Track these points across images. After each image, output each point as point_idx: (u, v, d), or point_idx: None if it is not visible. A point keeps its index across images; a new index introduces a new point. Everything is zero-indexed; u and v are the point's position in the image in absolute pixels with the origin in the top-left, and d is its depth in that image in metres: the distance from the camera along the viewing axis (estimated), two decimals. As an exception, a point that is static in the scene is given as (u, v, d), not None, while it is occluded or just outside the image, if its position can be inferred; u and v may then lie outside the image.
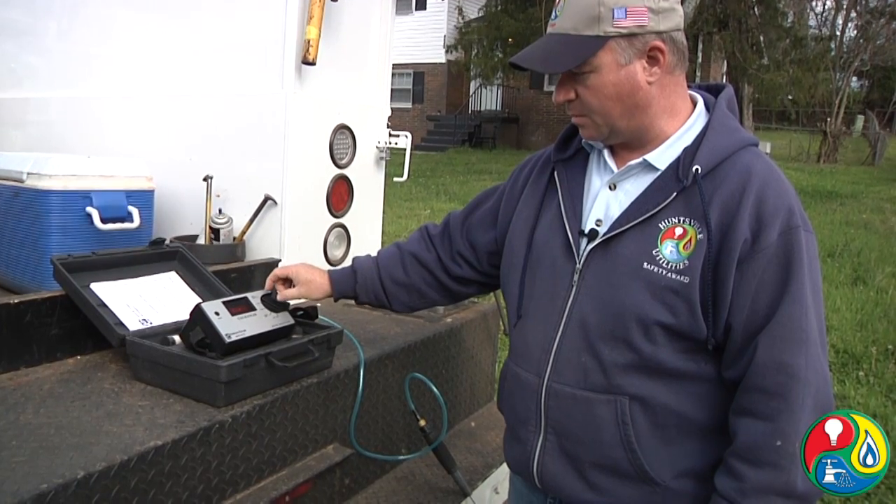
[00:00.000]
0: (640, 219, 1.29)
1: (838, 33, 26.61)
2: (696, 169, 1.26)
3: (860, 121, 27.67)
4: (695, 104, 1.38)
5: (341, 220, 2.69)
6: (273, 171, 2.46)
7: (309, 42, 2.35)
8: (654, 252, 1.27)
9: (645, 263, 1.27)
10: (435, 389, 1.93)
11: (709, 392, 1.30)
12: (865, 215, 11.82)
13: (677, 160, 1.30)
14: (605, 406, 1.31)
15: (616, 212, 1.33)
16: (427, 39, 23.42)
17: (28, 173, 2.27)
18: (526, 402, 1.42)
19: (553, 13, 1.32)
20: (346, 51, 2.64)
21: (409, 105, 24.45)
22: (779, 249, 1.21)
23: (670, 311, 1.25)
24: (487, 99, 24.42)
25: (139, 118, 2.77)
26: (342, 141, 2.63)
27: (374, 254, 1.81)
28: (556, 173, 1.46)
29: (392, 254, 1.76)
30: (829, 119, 24.03)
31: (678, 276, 1.24)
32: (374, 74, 2.84)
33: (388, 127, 2.89)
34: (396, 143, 2.85)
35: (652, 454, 1.31)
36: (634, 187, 1.33)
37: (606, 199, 1.36)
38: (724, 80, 22.25)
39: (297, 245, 2.54)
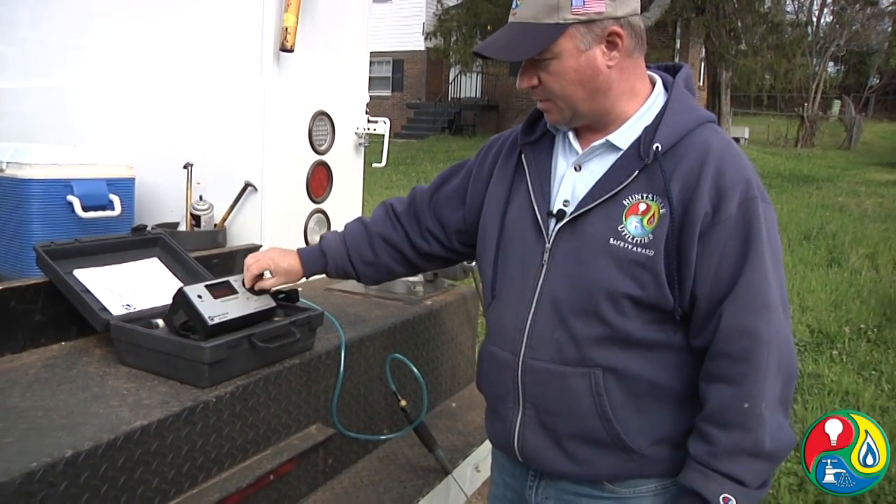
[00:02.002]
0: (605, 197, 1.33)
1: (815, 19, 26.83)
2: (657, 147, 1.30)
3: (837, 105, 27.94)
4: (654, 84, 1.42)
5: (321, 206, 2.72)
6: (253, 158, 2.48)
7: (287, 30, 2.37)
8: (619, 228, 1.31)
9: (611, 239, 1.31)
10: (415, 369, 1.97)
11: (679, 360, 1.35)
12: (841, 198, 11.99)
13: (638, 139, 1.34)
14: (579, 379, 1.36)
15: (582, 191, 1.38)
16: (406, 27, 23.34)
17: (7, 162, 2.28)
18: (504, 380, 1.46)
19: (514, 3, 1.35)
20: (324, 37, 2.66)
21: (388, 93, 24.37)
22: (738, 220, 1.26)
23: (637, 283, 1.30)
24: (467, 86, 24.41)
25: (119, 107, 2.77)
26: (321, 127, 2.66)
27: (340, 232, 1.82)
28: (523, 156, 1.50)
29: (359, 232, 1.77)
30: (806, 104, 24.26)
31: (643, 250, 1.29)
32: (352, 61, 2.86)
33: (367, 113, 2.91)
34: (375, 129, 2.88)
35: (627, 423, 1.36)
36: (599, 167, 1.38)
37: (573, 179, 1.40)
38: (702, 66, 22.37)
39: (278, 231, 2.57)
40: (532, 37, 1.31)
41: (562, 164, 1.44)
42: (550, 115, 1.41)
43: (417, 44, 23.65)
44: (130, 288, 1.94)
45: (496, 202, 1.52)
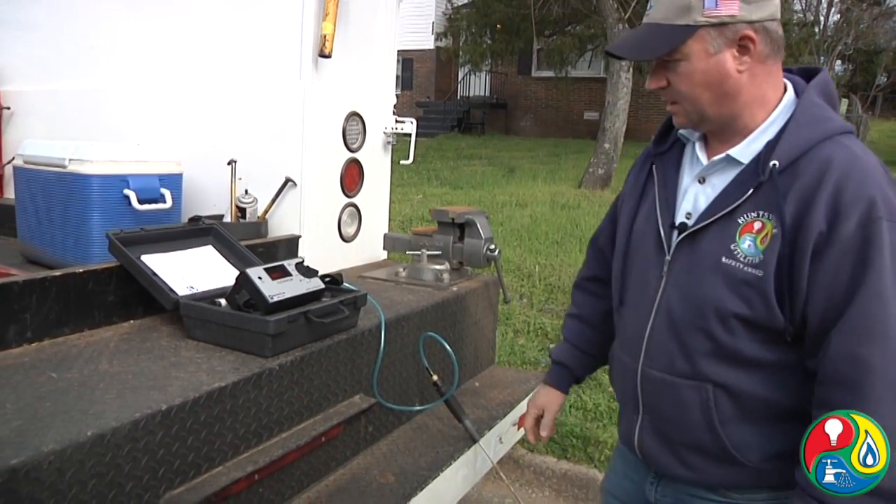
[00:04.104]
0: (721, 213, 1.34)
1: (822, 18, 26.88)
2: (774, 164, 1.28)
3: (844, 104, 27.90)
4: (786, 91, 1.38)
5: (353, 200, 2.93)
6: (292, 155, 2.69)
7: (325, 37, 2.58)
8: (731, 247, 1.32)
9: (723, 258, 1.32)
10: (447, 346, 2.17)
11: (793, 378, 1.33)
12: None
13: (758, 155, 1.33)
14: (691, 391, 1.39)
15: (703, 205, 1.39)
16: (415, 26, 23.52)
17: (70, 159, 2.49)
18: (627, 384, 1.53)
19: (648, 4, 1.39)
20: (356, 42, 2.86)
21: (398, 91, 24.43)
22: (856, 240, 1.21)
23: (746, 303, 1.30)
24: (476, 85, 24.57)
25: (169, 108, 2.98)
26: (354, 127, 2.87)
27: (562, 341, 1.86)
28: (654, 167, 1.53)
29: (575, 326, 1.82)
30: (812, 103, 24.28)
31: (753, 270, 1.29)
32: (381, 64, 3.07)
33: (394, 114, 3.12)
34: (402, 129, 3.09)
35: (738, 438, 1.36)
36: (720, 181, 1.38)
37: (696, 192, 1.42)
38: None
39: (315, 223, 2.77)
40: (661, 37, 1.32)
41: (687, 177, 1.46)
42: (677, 118, 1.43)
43: (427, 42, 23.82)
44: (191, 272, 2.15)
45: (628, 210, 1.57)
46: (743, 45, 1.30)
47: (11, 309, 1.76)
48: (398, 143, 3.13)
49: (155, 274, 2.02)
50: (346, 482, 1.97)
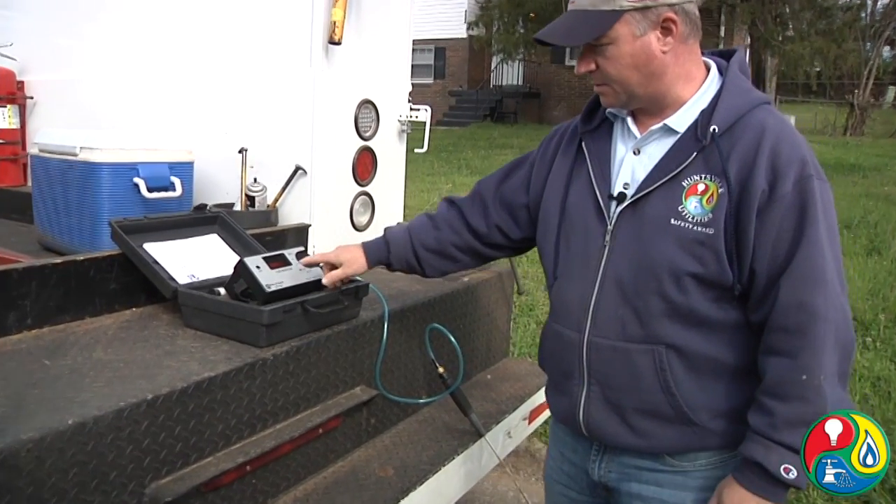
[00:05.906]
0: (665, 179, 1.40)
1: (869, 1, 26.12)
2: (714, 129, 1.36)
3: (891, 92, 27.18)
4: (709, 70, 1.47)
5: (366, 189, 2.89)
6: (303, 144, 2.66)
7: (335, 23, 2.55)
8: (679, 208, 1.38)
9: (672, 219, 1.38)
10: (451, 337, 2.13)
11: (738, 337, 1.41)
12: (887, 188, 11.78)
13: (695, 122, 1.40)
14: (643, 355, 1.43)
15: (641, 175, 1.44)
16: (448, 14, 23.43)
17: (81, 147, 2.49)
18: (569, 357, 1.53)
19: None
20: (369, 29, 2.82)
21: (430, 80, 24.51)
22: (794, 198, 1.31)
23: (699, 261, 1.36)
24: (509, 74, 24.44)
25: (179, 97, 2.98)
26: (366, 115, 2.83)
27: (404, 224, 1.90)
28: (583, 144, 1.56)
29: (423, 222, 1.85)
30: (856, 91, 23.70)
31: (703, 229, 1.35)
32: (395, 51, 3.03)
33: (409, 101, 3.08)
34: (417, 117, 3.04)
35: (690, 397, 1.42)
36: (657, 150, 1.44)
37: (632, 163, 1.47)
38: (747, 53, 22.03)
39: (326, 212, 2.75)
40: (589, 23, 1.38)
41: (621, 149, 1.51)
42: (606, 98, 1.47)
43: (459, 31, 23.73)
44: (193, 260, 2.14)
45: (557, 188, 1.59)
46: (666, 27, 1.37)
47: (10, 296, 1.76)
48: (412, 132, 3.09)
49: (156, 262, 2.01)
50: (344, 475, 1.94)
